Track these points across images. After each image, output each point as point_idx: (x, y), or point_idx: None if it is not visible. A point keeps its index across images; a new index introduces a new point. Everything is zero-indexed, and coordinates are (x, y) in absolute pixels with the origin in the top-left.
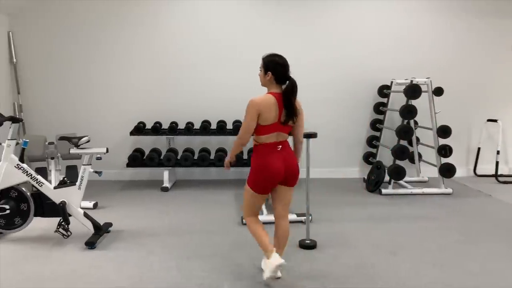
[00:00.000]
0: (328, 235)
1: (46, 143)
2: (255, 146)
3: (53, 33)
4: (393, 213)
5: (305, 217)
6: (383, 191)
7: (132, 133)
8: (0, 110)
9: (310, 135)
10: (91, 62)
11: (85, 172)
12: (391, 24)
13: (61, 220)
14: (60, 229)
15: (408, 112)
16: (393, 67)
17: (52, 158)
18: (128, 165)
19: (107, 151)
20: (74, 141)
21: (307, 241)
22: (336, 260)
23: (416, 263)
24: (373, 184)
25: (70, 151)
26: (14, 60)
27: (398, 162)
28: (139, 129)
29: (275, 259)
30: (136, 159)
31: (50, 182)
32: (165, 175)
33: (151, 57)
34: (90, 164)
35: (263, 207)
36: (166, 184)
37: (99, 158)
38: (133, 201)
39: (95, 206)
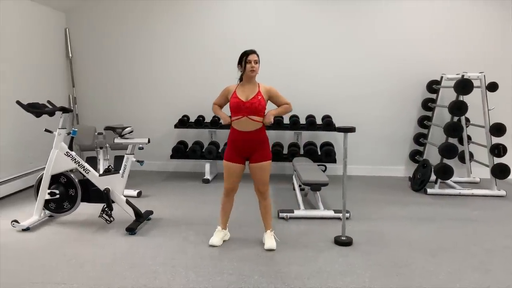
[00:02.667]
0: (365, 233)
1: (96, 133)
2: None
3: (106, 29)
4: (438, 214)
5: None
6: (429, 190)
7: (176, 126)
8: (57, 102)
9: (348, 129)
10: (139, 57)
11: (128, 161)
12: (440, 15)
13: (105, 206)
14: (104, 215)
15: (457, 108)
16: (443, 61)
17: (101, 148)
18: (172, 156)
19: (149, 141)
20: (118, 131)
21: (342, 238)
22: (371, 258)
23: (458, 266)
24: (418, 183)
25: (114, 141)
26: (70, 55)
27: (446, 161)
28: (183, 122)
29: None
30: (180, 151)
31: (99, 171)
32: (207, 167)
33: (198, 52)
34: (133, 154)
35: (301, 202)
36: (207, 176)
37: (141, 148)
38: (175, 192)
39: (139, 194)
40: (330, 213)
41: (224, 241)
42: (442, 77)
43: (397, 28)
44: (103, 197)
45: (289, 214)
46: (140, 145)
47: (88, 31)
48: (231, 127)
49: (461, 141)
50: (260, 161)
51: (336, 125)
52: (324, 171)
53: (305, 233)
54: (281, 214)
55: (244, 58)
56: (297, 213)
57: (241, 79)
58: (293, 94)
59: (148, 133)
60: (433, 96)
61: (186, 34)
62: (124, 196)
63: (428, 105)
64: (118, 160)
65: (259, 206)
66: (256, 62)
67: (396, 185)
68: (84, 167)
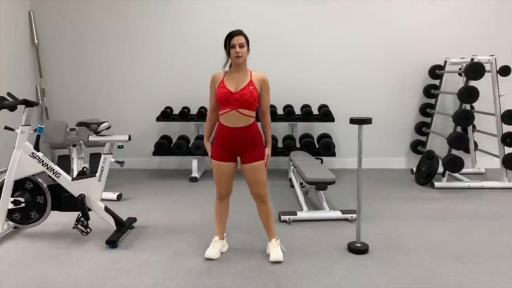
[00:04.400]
0: (379, 236)
1: (68, 129)
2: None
3: (76, 11)
4: (450, 210)
5: (352, 215)
6: (436, 184)
7: (158, 119)
8: (23, 95)
9: (363, 121)
10: (116, 43)
11: (105, 162)
12: None
13: (80, 215)
14: (79, 226)
15: (469, 95)
16: (447, 44)
17: (74, 146)
18: (155, 153)
19: (130, 138)
20: (93, 127)
21: (357, 244)
22: (393, 268)
23: (492, 273)
24: (424, 176)
25: (89, 138)
26: (36, 41)
27: (453, 152)
28: (166, 115)
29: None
30: (163, 146)
31: (73, 171)
32: (194, 164)
33: (179, 37)
34: (111, 153)
35: (303, 202)
36: (195, 174)
37: (120, 147)
38: (160, 193)
39: (119, 197)
40: (337, 214)
41: (222, 252)
42: (446, 61)
43: (396, 9)
44: (77, 204)
45: (291, 217)
46: (120, 143)
47: (56, 14)
48: (218, 121)
49: (464, 130)
50: (253, 161)
51: (334, 115)
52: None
53: (313, 238)
54: (283, 217)
55: (228, 42)
56: (300, 215)
57: (230, 66)
58: (287, 82)
59: (127, 128)
60: (436, 82)
61: (166, 16)
62: (103, 200)
63: (430, 91)
64: (94, 158)
65: (258, 211)
66: (242, 45)
67: (399, 178)
68: (53, 170)
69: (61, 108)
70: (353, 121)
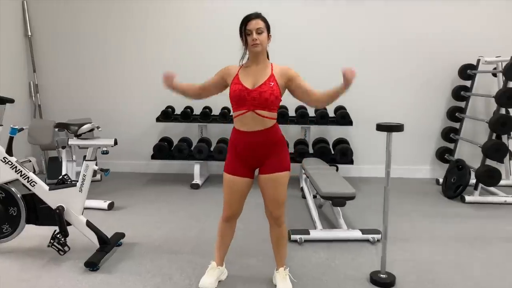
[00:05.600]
0: (407, 264)
1: (56, 129)
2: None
3: (74, 3)
4: (489, 232)
5: (374, 236)
6: (467, 198)
7: (158, 119)
8: (15, 91)
9: (392, 128)
10: (115, 36)
11: (87, 170)
12: None
13: (56, 231)
14: (55, 244)
15: (508, 98)
16: (480, 42)
17: (64, 147)
18: (153, 156)
19: (116, 143)
20: (73, 128)
21: (382, 276)
22: None
23: None
24: (453, 188)
25: (69, 142)
26: (29, 34)
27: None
28: (167, 115)
29: None
30: (163, 149)
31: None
32: (196, 169)
33: (183, 30)
34: (94, 160)
35: (317, 218)
36: (197, 180)
37: (105, 152)
38: (157, 201)
39: (111, 206)
40: (357, 234)
41: (220, 281)
42: (479, 60)
43: (423, 0)
44: (55, 218)
45: (303, 236)
46: (104, 149)
47: (51, 4)
48: (233, 127)
49: (498, 137)
50: (274, 172)
51: (352, 118)
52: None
53: (328, 264)
54: (293, 236)
55: (243, 28)
56: (314, 234)
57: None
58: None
59: (125, 129)
60: (467, 83)
61: (169, 6)
62: (92, 209)
63: (460, 94)
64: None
65: (270, 233)
66: (260, 31)
67: (423, 189)
68: (28, 177)
69: (55, 106)
70: (380, 127)
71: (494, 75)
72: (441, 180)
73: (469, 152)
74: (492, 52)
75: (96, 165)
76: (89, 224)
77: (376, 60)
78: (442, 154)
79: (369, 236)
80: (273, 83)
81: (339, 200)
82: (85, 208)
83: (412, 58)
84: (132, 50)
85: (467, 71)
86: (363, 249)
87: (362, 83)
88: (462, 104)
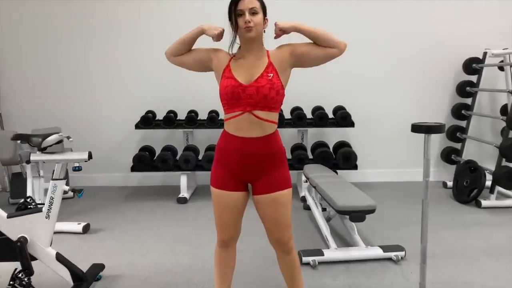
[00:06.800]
0: (441, 286)
1: (18, 141)
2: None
3: (41, 1)
4: None
5: (397, 253)
6: (483, 203)
7: (138, 126)
8: None
9: (431, 129)
10: (87, 35)
11: (56, 191)
12: None
13: (17, 270)
14: (16, 284)
15: None
16: (485, 33)
17: (28, 162)
18: (133, 168)
19: (90, 157)
20: (35, 141)
21: None
22: None
23: None
24: (467, 192)
25: (30, 158)
26: None
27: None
28: (147, 120)
29: None
30: (144, 160)
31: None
32: (182, 181)
33: (164, 30)
34: (64, 179)
35: (329, 235)
36: (184, 193)
37: (77, 169)
38: (140, 220)
39: (86, 229)
40: (377, 252)
41: None
42: (485, 53)
43: None
44: (16, 252)
45: (317, 258)
46: (76, 164)
47: (16, 4)
48: (223, 130)
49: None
50: (273, 190)
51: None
52: None
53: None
54: (305, 259)
55: (233, 8)
56: (328, 255)
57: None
58: (295, 80)
59: (101, 137)
60: (472, 78)
61: (143, 6)
62: (63, 233)
63: (466, 89)
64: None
65: (279, 264)
66: (255, 11)
67: (431, 194)
68: None
69: (20, 114)
70: (416, 128)
71: (501, 68)
72: (448, 183)
73: (476, 152)
74: (499, 44)
75: (67, 184)
76: (59, 258)
77: (376, 55)
78: (449, 155)
79: (392, 254)
80: (272, 74)
81: (358, 215)
82: (55, 232)
83: (413, 53)
84: (107, 51)
85: (473, 65)
86: (386, 269)
87: (361, 81)
88: (467, 100)
